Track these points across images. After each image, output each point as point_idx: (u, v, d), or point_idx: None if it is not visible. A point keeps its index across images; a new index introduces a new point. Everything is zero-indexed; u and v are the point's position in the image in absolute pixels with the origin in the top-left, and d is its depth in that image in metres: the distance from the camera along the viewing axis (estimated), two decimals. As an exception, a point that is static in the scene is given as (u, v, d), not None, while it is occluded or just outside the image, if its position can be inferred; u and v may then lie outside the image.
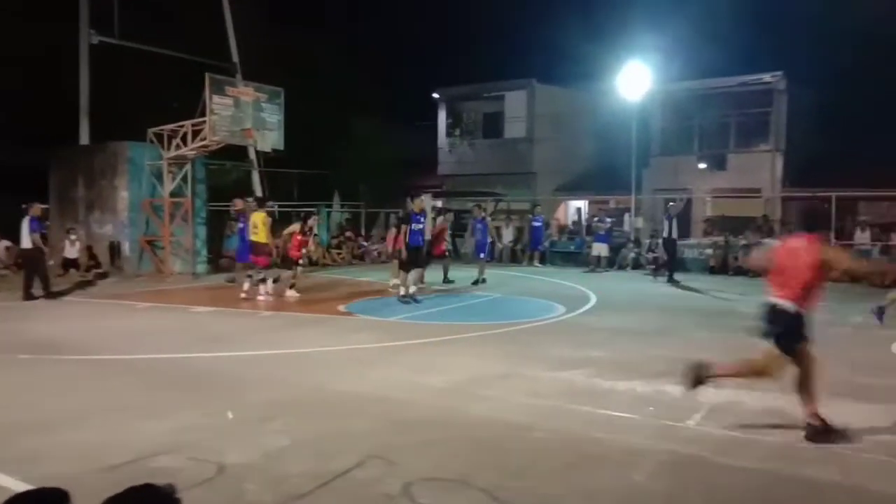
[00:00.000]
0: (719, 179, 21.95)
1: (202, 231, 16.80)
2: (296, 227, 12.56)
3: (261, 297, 11.79)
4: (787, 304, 4.74)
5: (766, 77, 21.14)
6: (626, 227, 21.28)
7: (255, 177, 22.74)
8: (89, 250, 16.10)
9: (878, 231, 17.85)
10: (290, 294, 12.22)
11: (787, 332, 4.74)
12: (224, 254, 16.88)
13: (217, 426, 5.08)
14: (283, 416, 5.28)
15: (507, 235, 21.12)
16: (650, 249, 18.41)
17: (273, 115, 16.36)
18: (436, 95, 27.08)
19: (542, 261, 19.75)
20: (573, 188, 25.66)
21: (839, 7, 22.56)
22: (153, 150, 15.96)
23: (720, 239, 18.29)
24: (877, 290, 14.13)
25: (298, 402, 5.72)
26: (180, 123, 15.43)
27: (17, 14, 20.97)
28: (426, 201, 12.88)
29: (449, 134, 27.06)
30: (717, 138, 22.62)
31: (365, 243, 21.63)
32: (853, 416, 5.30)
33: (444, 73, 27.72)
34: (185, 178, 16.13)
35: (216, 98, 15.04)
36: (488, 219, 17.06)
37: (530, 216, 20.46)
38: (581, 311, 11.04)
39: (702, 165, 22.48)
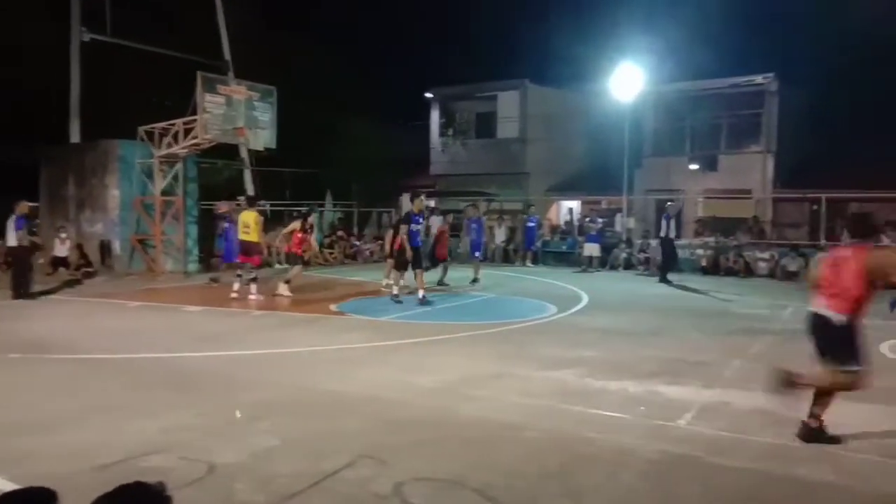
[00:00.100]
0: (711, 180, 22.06)
1: (193, 230, 16.72)
2: (296, 224, 12.53)
3: (252, 297, 11.74)
4: (831, 314, 4.60)
5: (758, 78, 21.26)
6: (618, 228, 21.35)
7: (247, 175, 22.69)
8: (80, 249, 16.00)
9: (867, 232, 17.93)
10: (283, 288, 12.16)
11: (832, 343, 4.60)
12: (216, 253, 16.81)
13: (207, 426, 5.06)
14: (274, 416, 5.26)
15: (500, 235, 21.15)
16: (642, 250, 18.47)
17: (265, 114, 16.31)
18: (429, 95, 27.08)
19: (535, 261, 19.79)
20: (565, 188, 25.72)
21: (830, 9, 22.72)
22: (144, 148, 15.88)
23: (711, 239, 18.38)
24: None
25: (289, 402, 5.71)
26: (172, 122, 15.36)
27: (7, 10, 20.83)
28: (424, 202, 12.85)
29: (442, 134, 27.07)
30: (708, 139, 22.72)
31: (357, 243, 21.59)
32: (843, 416, 5.33)
33: (437, 73, 27.77)
34: (176, 177, 16.05)
35: (208, 96, 14.98)
36: (483, 218, 17.07)
37: (524, 216, 20.49)
38: (573, 311, 11.06)
39: (693, 166, 22.59)
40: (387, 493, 3.87)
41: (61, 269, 15.21)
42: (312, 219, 13.17)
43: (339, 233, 21.72)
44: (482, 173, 24.95)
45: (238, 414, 5.28)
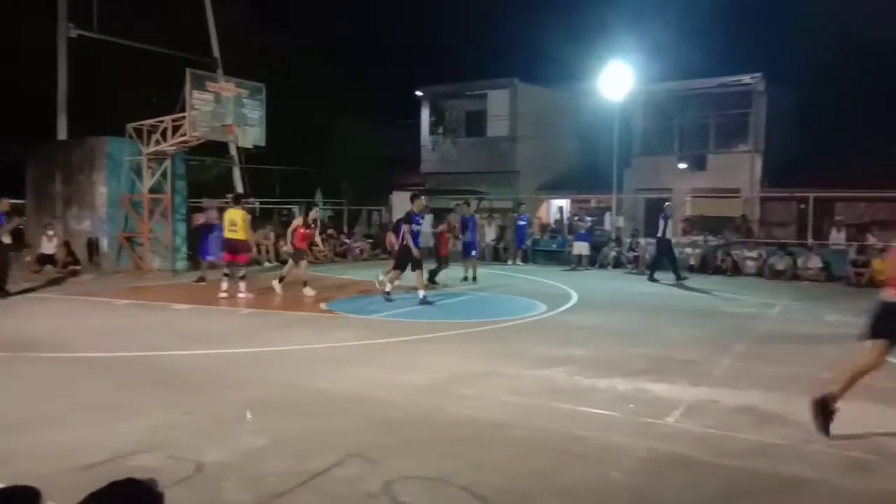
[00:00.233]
0: (699, 179, 22.18)
1: (182, 228, 16.62)
2: (298, 220, 12.42)
3: (241, 295, 11.69)
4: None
5: (746, 78, 21.38)
6: (608, 226, 21.42)
7: (236, 173, 22.59)
8: (67, 246, 15.89)
9: (853, 231, 18.12)
10: (275, 285, 12.13)
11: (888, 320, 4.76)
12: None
13: (196, 425, 5.03)
14: (263, 415, 5.24)
15: (490, 234, 21.17)
16: (631, 248, 18.55)
17: (254, 111, 16.24)
18: (419, 93, 27.05)
19: (525, 259, 19.82)
20: (555, 187, 25.78)
21: (818, 10, 22.89)
22: (132, 145, 15.77)
23: (700, 238, 18.48)
24: (853, 289, 14.38)
25: (278, 401, 5.69)
26: (160, 119, 15.26)
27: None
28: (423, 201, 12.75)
29: (432, 132, 27.05)
30: (697, 139, 22.84)
31: (347, 241, 21.56)
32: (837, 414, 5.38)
33: (427, 71, 27.77)
34: (164, 174, 15.95)
35: (196, 93, 14.90)
36: (476, 216, 17.05)
37: (515, 215, 20.52)
38: (562, 309, 11.09)
39: (682, 165, 22.70)
40: (376, 492, 3.86)
41: (48, 267, 15.11)
42: (315, 213, 12.87)
43: (329, 231, 21.68)
44: (472, 172, 24.96)
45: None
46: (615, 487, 4.03)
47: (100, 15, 18.31)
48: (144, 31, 20.00)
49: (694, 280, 15.54)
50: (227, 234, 11.96)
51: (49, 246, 15.38)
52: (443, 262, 14.37)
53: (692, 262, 17.67)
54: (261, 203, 23.54)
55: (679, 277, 14.90)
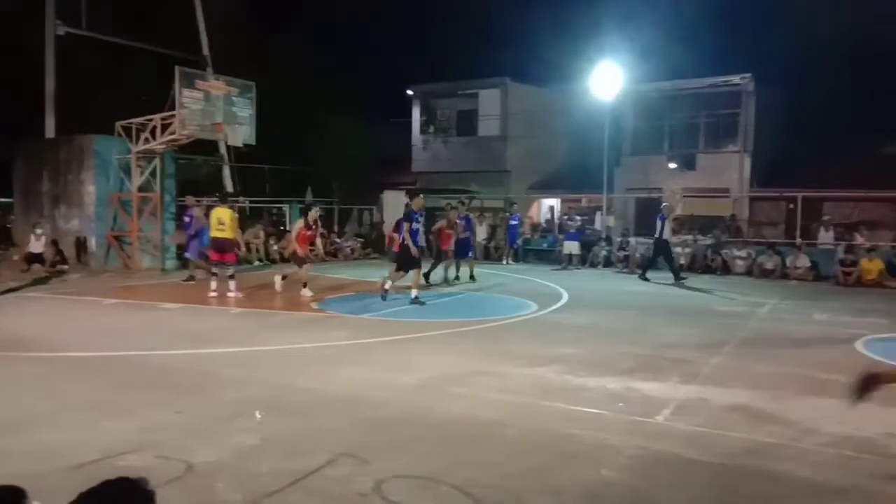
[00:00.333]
0: (689, 179, 22.28)
1: (171, 226, 16.53)
2: (300, 222, 12.24)
3: (231, 294, 11.64)
4: None
5: (735, 79, 21.51)
6: (598, 226, 21.48)
7: (226, 172, 22.51)
8: (55, 245, 15.76)
9: (841, 230, 18.26)
10: (276, 280, 12.24)
11: None
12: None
13: (186, 424, 5.00)
14: (253, 414, 5.22)
15: (481, 233, 21.17)
16: (621, 248, 18.61)
17: (244, 110, 16.18)
18: (410, 92, 27.04)
19: (516, 258, 19.85)
20: (546, 186, 25.84)
21: (807, 10, 23.03)
22: (121, 143, 15.67)
23: (689, 237, 18.55)
24: (840, 290, 14.49)
25: (269, 400, 5.66)
26: (149, 117, 15.17)
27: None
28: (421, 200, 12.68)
29: (423, 131, 27.05)
30: (686, 139, 22.96)
31: (338, 240, 21.51)
32: (818, 411, 5.42)
33: (418, 70, 27.76)
34: (153, 173, 15.85)
35: (186, 91, 14.83)
36: (471, 215, 17.02)
37: (507, 214, 20.53)
38: (553, 308, 11.11)
39: (672, 165, 22.81)
40: (367, 491, 3.85)
41: (36, 266, 14.98)
42: (314, 213, 12.62)
43: (321, 230, 21.61)
44: (463, 171, 24.98)
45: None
46: (606, 486, 4.04)
47: (88, 12, 18.19)
48: (133, 29, 19.89)
49: (684, 279, 15.58)
50: (215, 233, 11.86)
51: (37, 245, 15.25)
52: (443, 255, 14.33)
53: (682, 261, 17.72)
54: (251, 202, 23.44)
55: (678, 277, 14.94)
